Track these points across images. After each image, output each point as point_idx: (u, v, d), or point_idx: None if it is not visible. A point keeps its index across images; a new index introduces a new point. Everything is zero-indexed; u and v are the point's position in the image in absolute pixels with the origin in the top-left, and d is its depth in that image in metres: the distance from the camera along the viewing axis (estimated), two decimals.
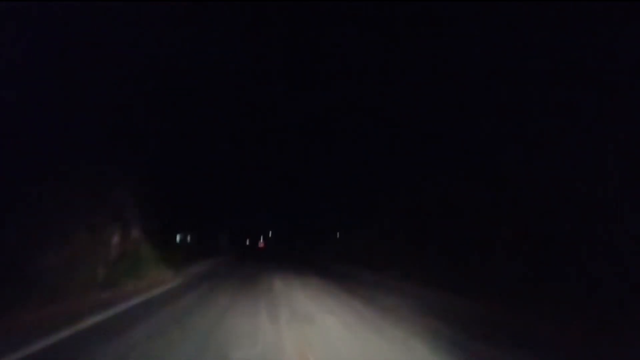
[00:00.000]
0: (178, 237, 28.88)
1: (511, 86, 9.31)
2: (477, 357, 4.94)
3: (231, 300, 8.55)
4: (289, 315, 7.06)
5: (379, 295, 9.95)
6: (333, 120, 21.68)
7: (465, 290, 8.95)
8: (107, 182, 10.15)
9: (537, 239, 8.51)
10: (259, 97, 19.99)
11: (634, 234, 6.49)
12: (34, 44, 7.82)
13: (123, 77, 10.76)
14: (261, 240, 68.93)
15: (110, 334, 5.50)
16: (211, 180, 28.33)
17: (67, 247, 8.64)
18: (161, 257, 16.86)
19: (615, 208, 6.91)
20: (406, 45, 12.50)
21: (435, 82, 12.37)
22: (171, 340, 5.25)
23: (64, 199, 8.67)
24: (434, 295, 9.73)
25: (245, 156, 30.74)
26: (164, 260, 16.37)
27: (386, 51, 13.40)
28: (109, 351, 4.72)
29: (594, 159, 7.41)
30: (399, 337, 5.59)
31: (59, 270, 8.06)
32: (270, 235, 73.68)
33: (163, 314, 7.22)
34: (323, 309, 7.68)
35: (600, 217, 7.16)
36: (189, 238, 30.98)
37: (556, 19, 7.98)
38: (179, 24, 11.09)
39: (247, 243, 65.64)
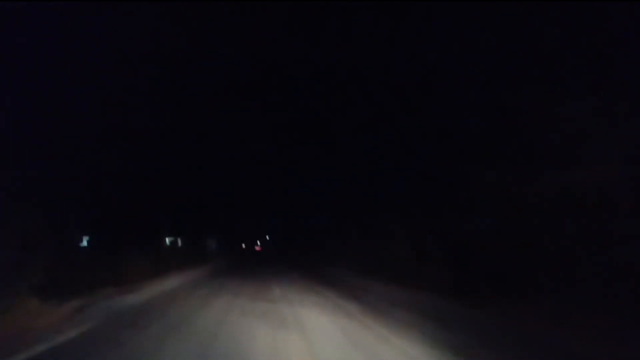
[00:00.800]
0: (167, 241, 27.94)
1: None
2: None
3: None
4: None
5: None
6: (333, 120, 20.48)
7: None
8: None
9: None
10: (257, 95, 19.23)
11: None
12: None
13: (115, 73, 11.31)
14: (258, 244, 66.35)
15: None
16: (206, 183, 27.60)
17: None
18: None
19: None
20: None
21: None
22: None
23: None
24: None
25: (242, 159, 29.46)
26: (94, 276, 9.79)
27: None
28: None
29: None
30: None
31: None
32: (268, 238, 68.99)
33: None
34: None
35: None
36: (179, 242, 30.07)
37: None
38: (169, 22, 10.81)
39: (244, 246, 61.79)
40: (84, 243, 18.24)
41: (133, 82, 12.23)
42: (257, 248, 65.59)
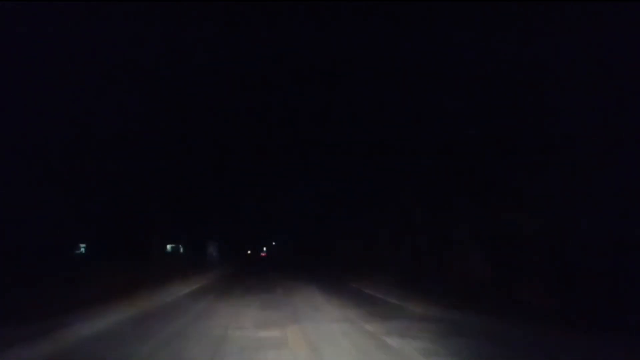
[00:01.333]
0: (169, 247, 27.20)
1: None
2: None
3: None
4: None
5: None
6: (341, 121, 19.63)
7: None
8: None
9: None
10: (259, 95, 18.42)
11: None
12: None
13: (113, 79, 11.25)
14: (264, 251, 63.79)
15: None
16: (210, 188, 26.79)
17: None
18: None
19: None
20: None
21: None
22: None
23: None
24: None
25: (247, 164, 28.01)
26: None
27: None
28: None
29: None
30: None
31: None
32: (274, 244, 65.87)
33: None
34: None
35: None
36: (181, 248, 29.24)
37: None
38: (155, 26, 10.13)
39: (249, 253, 60.33)
40: (82, 250, 17.69)
41: (130, 85, 12.25)
42: (263, 254, 63.94)
